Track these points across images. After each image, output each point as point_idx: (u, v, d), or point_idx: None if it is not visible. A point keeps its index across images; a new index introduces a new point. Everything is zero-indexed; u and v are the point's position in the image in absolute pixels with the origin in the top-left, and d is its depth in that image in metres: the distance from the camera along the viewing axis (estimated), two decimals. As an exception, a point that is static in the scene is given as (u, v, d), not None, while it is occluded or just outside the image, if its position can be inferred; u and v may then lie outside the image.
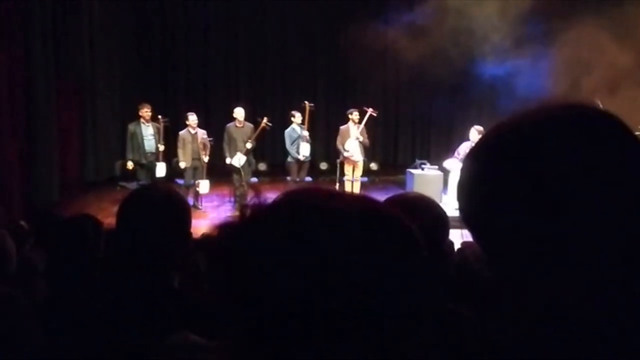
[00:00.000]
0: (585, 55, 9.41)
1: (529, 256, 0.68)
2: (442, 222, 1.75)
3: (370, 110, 10.22)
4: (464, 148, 9.83)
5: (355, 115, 9.99)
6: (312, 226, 0.63)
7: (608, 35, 9.07)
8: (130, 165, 9.44)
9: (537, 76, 10.60)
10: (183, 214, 1.60)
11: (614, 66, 9.13)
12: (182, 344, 1.08)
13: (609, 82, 8.63)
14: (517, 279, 0.71)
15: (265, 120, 9.85)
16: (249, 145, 9.60)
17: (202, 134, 9.56)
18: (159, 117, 9.52)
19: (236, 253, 0.65)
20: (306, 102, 10.23)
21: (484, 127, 10.05)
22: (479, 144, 0.75)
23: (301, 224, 0.64)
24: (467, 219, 0.74)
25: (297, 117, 9.96)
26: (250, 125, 9.77)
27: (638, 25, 9.02)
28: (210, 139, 9.59)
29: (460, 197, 0.76)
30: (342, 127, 10.21)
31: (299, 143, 9.85)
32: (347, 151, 9.93)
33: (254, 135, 9.73)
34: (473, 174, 0.74)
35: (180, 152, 9.47)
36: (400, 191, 9.90)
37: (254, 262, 0.63)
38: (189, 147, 9.46)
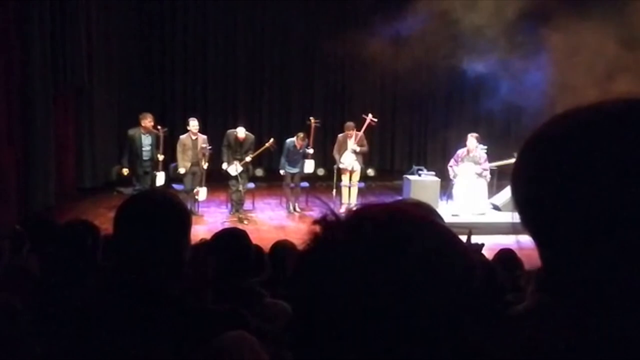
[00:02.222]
0: (581, 58, 9.44)
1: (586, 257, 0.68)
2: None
3: (369, 118, 10.19)
4: (461, 154, 9.85)
5: (351, 131, 10.00)
6: (387, 246, 0.65)
7: (603, 35, 9.11)
8: (125, 171, 9.39)
9: (532, 80, 10.65)
10: (183, 219, 1.60)
11: (609, 64, 9.19)
12: (241, 342, 1.10)
13: (603, 81, 8.67)
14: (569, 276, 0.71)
15: (271, 141, 9.88)
16: (248, 158, 9.62)
17: (202, 140, 9.54)
18: (159, 127, 9.51)
19: (312, 267, 0.68)
20: (312, 118, 10.20)
21: (480, 132, 10.10)
22: (531, 141, 0.75)
23: (378, 244, 0.65)
24: (526, 219, 0.74)
25: (299, 139, 9.82)
26: (251, 137, 9.77)
27: (633, 24, 9.08)
28: (210, 147, 9.58)
29: (516, 191, 0.76)
30: (339, 136, 10.26)
31: (297, 159, 9.95)
32: (343, 163, 10.01)
33: (256, 154, 9.77)
34: (528, 169, 0.74)
35: (179, 156, 9.45)
36: (397, 197, 9.92)
37: (328, 276, 0.65)
38: (188, 152, 9.44)
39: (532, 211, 0.73)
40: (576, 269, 0.69)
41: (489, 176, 9.78)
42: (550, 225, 0.70)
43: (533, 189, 0.72)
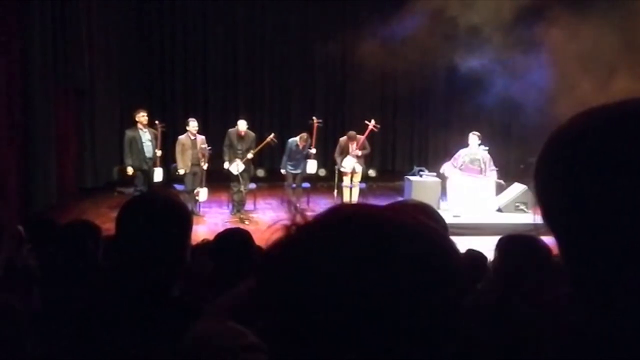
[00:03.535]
0: (580, 54, 9.45)
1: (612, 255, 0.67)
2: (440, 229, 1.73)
3: (371, 124, 10.19)
4: (462, 154, 9.85)
5: (353, 143, 10.01)
6: (361, 244, 0.65)
7: (603, 33, 9.11)
8: (130, 170, 9.39)
9: (532, 78, 10.64)
10: (184, 220, 1.59)
11: (609, 62, 9.20)
12: (225, 331, 1.09)
13: (603, 79, 8.68)
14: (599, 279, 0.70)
15: (272, 136, 9.88)
16: (250, 156, 9.61)
17: (201, 141, 9.53)
18: (156, 122, 9.52)
19: (287, 271, 0.67)
20: (314, 118, 10.19)
21: (481, 132, 10.10)
22: (553, 139, 0.74)
23: (350, 243, 0.65)
24: (547, 218, 0.74)
25: (302, 139, 9.89)
26: (252, 135, 9.76)
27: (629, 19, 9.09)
28: (209, 147, 9.57)
29: (537, 188, 0.76)
30: (341, 140, 10.29)
31: (299, 160, 9.97)
32: (344, 167, 10.04)
33: (257, 149, 9.76)
34: (551, 171, 0.74)
35: (178, 157, 9.43)
36: (398, 198, 9.93)
37: (305, 280, 0.65)
38: (188, 152, 9.42)
39: (551, 209, 0.73)
40: (587, 268, 0.69)
41: (496, 175, 9.82)
42: (568, 223, 0.70)
43: (553, 186, 0.73)
